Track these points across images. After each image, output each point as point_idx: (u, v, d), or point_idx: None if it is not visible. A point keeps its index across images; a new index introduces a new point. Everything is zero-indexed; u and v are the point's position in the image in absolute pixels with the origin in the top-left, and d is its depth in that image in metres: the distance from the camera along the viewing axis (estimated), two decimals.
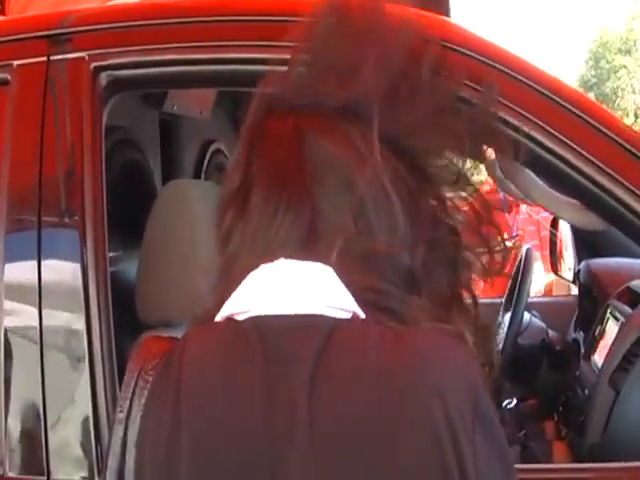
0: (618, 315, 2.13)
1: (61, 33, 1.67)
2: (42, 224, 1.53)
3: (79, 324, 1.47)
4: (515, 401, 2.33)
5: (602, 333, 2.20)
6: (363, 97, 0.97)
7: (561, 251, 3.06)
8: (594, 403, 1.89)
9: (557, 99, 1.52)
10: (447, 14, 2.03)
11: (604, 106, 1.65)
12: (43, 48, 1.65)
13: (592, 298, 2.51)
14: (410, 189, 0.96)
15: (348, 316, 0.91)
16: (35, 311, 1.48)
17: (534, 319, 2.49)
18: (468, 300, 1.01)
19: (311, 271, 0.92)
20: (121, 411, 0.93)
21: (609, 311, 2.21)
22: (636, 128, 1.55)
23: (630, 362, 1.84)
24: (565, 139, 1.49)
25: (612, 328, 2.14)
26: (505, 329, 2.32)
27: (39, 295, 1.49)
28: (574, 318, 2.63)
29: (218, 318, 0.94)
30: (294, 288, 0.91)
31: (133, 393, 0.93)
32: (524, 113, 1.49)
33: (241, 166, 0.99)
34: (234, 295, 0.93)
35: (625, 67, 25.00)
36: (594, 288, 2.52)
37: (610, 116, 1.62)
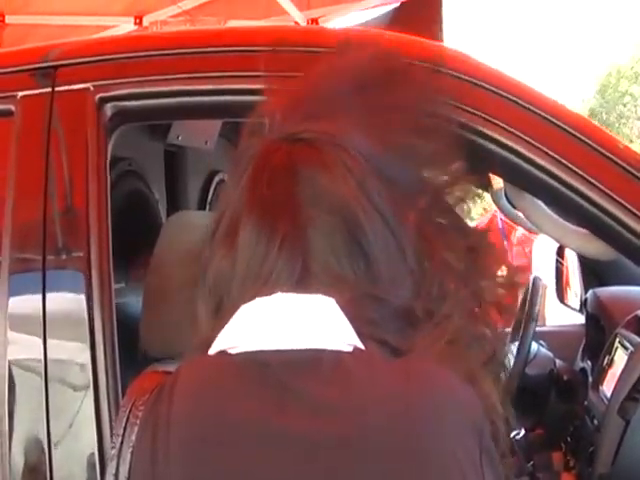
0: (627, 344, 2.12)
1: (66, 64, 1.67)
2: (47, 257, 1.52)
3: (84, 357, 1.46)
4: (523, 431, 2.31)
5: (610, 362, 2.18)
6: (354, 130, 0.95)
7: (567, 279, 3.04)
8: (603, 433, 1.87)
9: (565, 127, 1.51)
10: (440, 37, 2.03)
11: (611, 133, 1.65)
12: (48, 79, 1.65)
13: (600, 327, 2.49)
14: (412, 224, 0.95)
15: (350, 349, 0.89)
16: (40, 343, 1.47)
17: (542, 349, 2.47)
18: (484, 333, 0.99)
19: (310, 304, 0.90)
20: (113, 447, 0.93)
21: (617, 340, 2.19)
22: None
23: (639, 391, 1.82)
24: (573, 166, 1.48)
25: (621, 357, 2.12)
26: (513, 359, 2.30)
27: (44, 327, 1.47)
28: (581, 347, 2.61)
29: (211, 352, 0.92)
30: (293, 322, 0.90)
31: (124, 429, 0.92)
32: (530, 140, 1.48)
33: (231, 197, 0.97)
34: (226, 329, 0.92)
35: (631, 95, 25.12)
36: (602, 317, 2.51)
37: (619, 143, 1.61)
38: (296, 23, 4.84)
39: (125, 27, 5.09)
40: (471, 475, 0.85)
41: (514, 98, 1.52)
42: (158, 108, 1.65)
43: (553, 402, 2.38)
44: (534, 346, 2.43)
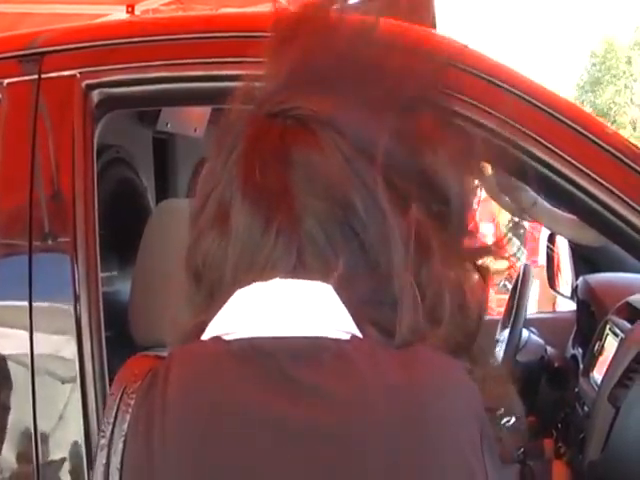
0: (617, 331, 2.11)
1: (52, 51, 1.65)
2: (33, 245, 1.51)
3: (70, 347, 1.45)
4: (513, 419, 2.30)
5: (601, 349, 2.17)
6: (348, 109, 0.92)
7: (559, 267, 3.04)
8: (593, 420, 1.86)
9: (555, 113, 1.50)
10: (433, 23, 2.01)
11: (602, 120, 1.63)
12: (34, 66, 1.64)
13: (590, 314, 2.49)
14: (409, 210, 0.92)
15: (347, 337, 0.87)
16: (26, 335, 1.46)
17: (532, 336, 2.47)
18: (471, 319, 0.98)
19: (309, 290, 0.88)
20: (103, 437, 0.89)
21: (608, 327, 2.19)
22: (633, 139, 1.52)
23: (630, 378, 1.82)
24: (563, 153, 1.47)
25: (611, 344, 2.11)
26: (503, 347, 2.30)
27: (30, 318, 1.47)
28: (572, 334, 2.61)
29: (205, 337, 0.90)
30: (291, 308, 0.87)
31: (115, 417, 0.88)
32: (522, 128, 1.48)
33: (218, 178, 0.93)
34: (221, 314, 0.89)
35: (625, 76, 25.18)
36: (592, 304, 2.50)
37: (609, 130, 1.61)
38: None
39: (117, 15, 5.06)
40: (473, 461, 0.84)
41: (500, 82, 1.51)
42: (145, 95, 1.64)
43: (544, 389, 2.38)
44: (525, 333, 2.43)
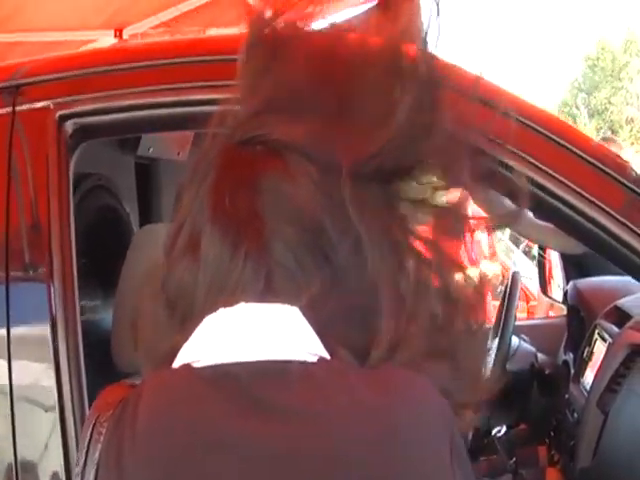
0: (606, 335, 2.11)
1: (27, 83, 1.66)
2: (10, 276, 1.51)
3: (49, 377, 1.45)
4: (505, 428, 2.30)
5: (590, 354, 2.18)
6: (321, 133, 0.92)
7: (550, 273, 3.04)
8: (583, 426, 1.87)
9: (530, 123, 1.50)
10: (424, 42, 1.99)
11: (576, 126, 1.62)
12: (8, 98, 1.65)
13: (580, 319, 2.49)
14: (383, 228, 0.92)
15: (314, 359, 0.87)
16: (4, 364, 1.47)
17: (523, 343, 2.47)
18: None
19: (275, 314, 0.88)
20: (77, 465, 0.90)
21: (597, 331, 2.19)
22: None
23: (618, 383, 1.82)
24: (542, 165, 1.47)
25: (600, 349, 2.12)
26: (493, 356, 2.30)
27: (8, 349, 1.47)
28: (564, 340, 2.61)
29: (175, 365, 0.90)
30: (257, 332, 0.87)
31: (88, 447, 0.89)
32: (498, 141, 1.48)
33: (190, 207, 0.93)
34: (191, 341, 0.89)
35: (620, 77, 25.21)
36: (582, 308, 2.51)
37: (583, 136, 1.61)
38: None
39: (105, 40, 5.08)
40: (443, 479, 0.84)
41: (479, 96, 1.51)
42: (120, 122, 1.64)
43: (535, 397, 2.38)
44: (515, 341, 2.43)
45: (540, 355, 2.48)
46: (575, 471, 1.85)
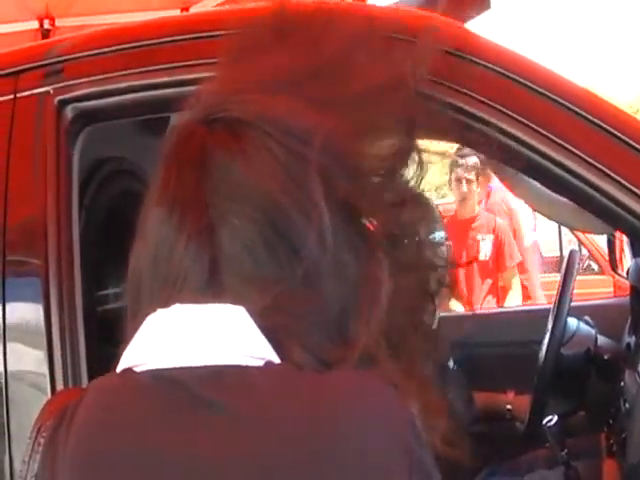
0: None
1: (27, 69, 1.61)
2: (6, 266, 1.46)
3: (42, 368, 1.40)
4: (556, 418, 2.16)
5: None
6: (286, 106, 0.85)
7: (622, 249, 2.86)
8: (633, 419, 1.72)
9: (551, 95, 1.38)
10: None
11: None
12: (9, 85, 1.59)
13: None
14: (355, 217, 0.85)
15: (260, 363, 0.80)
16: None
17: (582, 326, 2.31)
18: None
19: (218, 315, 0.81)
20: (20, 476, 0.86)
21: None
22: None
23: None
24: (558, 139, 1.35)
25: None
26: (546, 339, 2.16)
27: (3, 339, 1.43)
28: (628, 321, 2.43)
29: (118, 369, 0.84)
30: (197, 336, 0.81)
31: (30, 457, 0.85)
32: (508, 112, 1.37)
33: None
34: (132, 343, 0.84)
35: None
36: None
37: (612, 109, 1.47)
38: None
39: None
40: None
41: (495, 67, 1.41)
42: (122, 105, 1.57)
43: (593, 383, 2.22)
44: (574, 323, 2.28)
45: (601, 338, 2.32)
46: (625, 467, 1.70)
